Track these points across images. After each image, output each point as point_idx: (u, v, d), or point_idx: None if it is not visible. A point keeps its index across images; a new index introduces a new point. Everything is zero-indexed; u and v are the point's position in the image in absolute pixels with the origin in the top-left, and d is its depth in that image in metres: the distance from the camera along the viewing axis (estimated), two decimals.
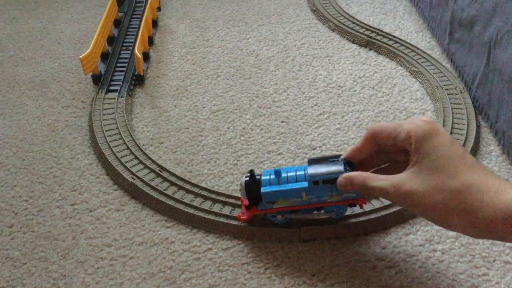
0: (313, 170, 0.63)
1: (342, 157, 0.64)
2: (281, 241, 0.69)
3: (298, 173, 0.64)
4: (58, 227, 0.72)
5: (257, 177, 0.66)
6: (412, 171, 0.55)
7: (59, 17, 1.28)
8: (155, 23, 1.22)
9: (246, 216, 0.68)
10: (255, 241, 0.69)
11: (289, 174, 0.65)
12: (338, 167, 0.62)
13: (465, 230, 0.54)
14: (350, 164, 0.64)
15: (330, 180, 0.62)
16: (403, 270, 0.64)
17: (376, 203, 0.72)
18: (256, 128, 0.91)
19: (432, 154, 0.55)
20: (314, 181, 0.62)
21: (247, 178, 0.66)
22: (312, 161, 0.64)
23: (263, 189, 0.64)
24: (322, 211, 0.66)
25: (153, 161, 0.81)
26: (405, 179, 0.55)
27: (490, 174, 0.53)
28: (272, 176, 0.65)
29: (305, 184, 0.63)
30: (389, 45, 1.09)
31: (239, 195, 0.74)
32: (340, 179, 0.60)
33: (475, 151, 0.82)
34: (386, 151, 0.63)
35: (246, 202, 0.67)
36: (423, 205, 0.54)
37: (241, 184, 0.67)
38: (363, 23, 1.18)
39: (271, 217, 0.68)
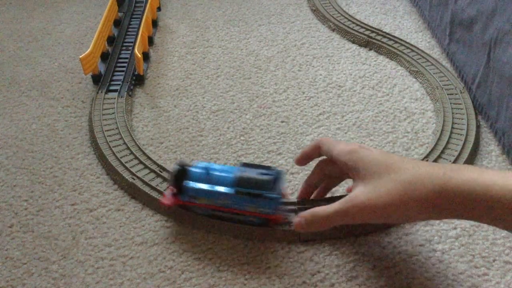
0: (244, 176, 0.64)
1: (276, 172, 0.65)
2: (281, 241, 0.69)
3: (226, 175, 0.65)
4: (58, 227, 0.72)
5: (188, 167, 0.66)
6: (358, 185, 0.58)
7: (59, 17, 1.28)
8: (155, 23, 1.22)
9: (169, 202, 0.68)
10: (255, 241, 0.69)
11: (218, 173, 0.65)
12: (265, 184, 0.63)
13: (426, 216, 0.56)
14: (277, 180, 0.65)
15: (253, 194, 0.63)
16: (403, 270, 0.65)
17: None
18: (256, 128, 0.91)
19: (369, 161, 0.58)
20: (238, 191, 0.63)
21: (178, 167, 0.66)
22: (245, 166, 0.66)
23: (186, 183, 0.65)
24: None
25: (153, 161, 0.81)
26: (356, 193, 0.58)
27: (437, 164, 0.57)
28: (202, 171, 0.66)
29: (229, 191, 0.64)
30: (389, 45, 1.09)
31: None
32: (296, 219, 0.63)
33: (475, 151, 0.82)
34: (335, 176, 0.69)
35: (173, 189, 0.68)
36: (382, 206, 0.55)
37: (170, 171, 0.67)
38: (363, 23, 1.18)
39: (195, 208, 0.69)
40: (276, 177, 0.64)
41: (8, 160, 0.85)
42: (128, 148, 0.84)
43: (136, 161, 0.81)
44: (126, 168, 0.79)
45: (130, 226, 0.72)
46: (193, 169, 0.66)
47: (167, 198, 0.69)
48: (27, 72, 1.07)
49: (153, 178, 0.78)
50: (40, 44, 1.17)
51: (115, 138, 0.86)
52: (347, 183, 0.77)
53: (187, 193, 0.66)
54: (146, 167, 0.80)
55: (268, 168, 0.66)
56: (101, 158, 0.83)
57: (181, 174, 0.66)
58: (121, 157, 0.81)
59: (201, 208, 0.68)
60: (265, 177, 0.64)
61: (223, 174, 0.66)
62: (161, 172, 0.79)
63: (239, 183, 0.64)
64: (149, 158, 0.81)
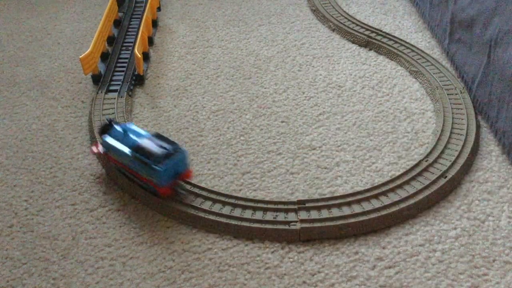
0: (142, 144, 0.72)
1: (172, 148, 0.72)
2: (281, 241, 0.69)
3: (134, 139, 0.74)
4: (58, 227, 0.72)
5: (113, 125, 0.77)
6: None
7: (59, 17, 1.28)
8: (155, 23, 1.22)
9: (95, 151, 0.79)
10: (255, 241, 0.69)
11: (130, 136, 0.74)
12: (155, 155, 0.70)
13: None
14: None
15: (143, 161, 0.70)
16: (403, 270, 0.64)
17: (375, 203, 0.72)
18: (256, 128, 0.91)
19: None
20: (134, 155, 0.72)
21: (105, 122, 0.78)
22: (155, 136, 0.74)
23: (105, 137, 0.76)
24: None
25: None
26: None
27: None
28: (121, 131, 0.75)
29: (129, 153, 0.72)
30: (389, 45, 1.09)
31: (239, 195, 0.75)
32: None
33: (475, 151, 0.82)
34: None
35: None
36: None
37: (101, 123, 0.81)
38: (363, 23, 1.18)
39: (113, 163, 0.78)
40: (168, 153, 0.71)
41: (8, 160, 0.85)
42: None
43: None
44: None
45: (130, 226, 0.72)
46: (116, 127, 0.76)
47: (95, 148, 0.79)
48: (27, 72, 1.07)
49: None
50: (40, 44, 1.17)
51: None
52: (347, 183, 0.77)
53: (105, 146, 0.76)
54: None
55: (175, 145, 0.73)
56: (101, 158, 0.83)
57: (105, 128, 0.77)
58: None
59: (116, 165, 0.77)
60: (157, 150, 0.71)
61: (133, 137, 0.73)
62: None
63: (137, 149, 0.72)
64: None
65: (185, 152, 0.73)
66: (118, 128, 0.76)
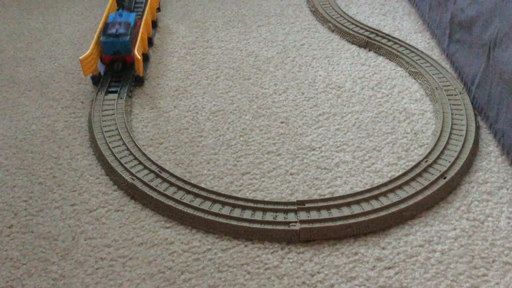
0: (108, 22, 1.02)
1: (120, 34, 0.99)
2: (281, 241, 0.69)
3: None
4: (58, 227, 0.72)
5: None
6: None
7: (59, 18, 1.28)
8: (155, 24, 1.22)
9: None
10: (255, 241, 0.69)
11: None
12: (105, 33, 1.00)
13: None
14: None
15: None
16: (402, 271, 0.65)
17: (375, 204, 0.72)
18: (256, 128, 0.91)
19: None
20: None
21: None
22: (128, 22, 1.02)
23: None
24: None
25: (153, 162, 0.81)
26: None
27: None
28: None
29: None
30: (388, 46, 1.09)
31: (239, 195, 0.76)
32: None
33: (474, 152, 0.82)
34: None
35: None
36: None
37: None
38: (362, 24, 1.18)
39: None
40: (112, 34, 0.99)
41: (8, 160, 0.85)
42: (127, 148, 0.84)
43: (135, 162, 0.81)
44: (126, 168, 0.79)
45: (130, 227, 0.72)
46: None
47: None
48: (26, 73, 1.07)
49: (153, 179, 0.78)
50: (39, 44, 1.17)
51: (115, 139, 0.86)
52: (347, 183, 0.77)
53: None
54: (145, 167, 0.80)
55: (125, 34, 0.99)
56: (101, 159, 0.83)
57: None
58: (120, 158, 0.81)
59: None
60: (109, 29, 1.00)
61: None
62: (161, 172, 0.79)
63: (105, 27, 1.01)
64: (148, 158, 0.81)
65: (128, 43, 0.99)
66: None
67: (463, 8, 0.95)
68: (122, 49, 0.99)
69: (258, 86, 1.02)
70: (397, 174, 0.78)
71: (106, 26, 1.00)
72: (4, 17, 1.28)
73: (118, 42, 0.99)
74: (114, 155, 0.82)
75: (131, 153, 0.82)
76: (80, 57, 0.95)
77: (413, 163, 0.79)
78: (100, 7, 1.30)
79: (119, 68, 1.00)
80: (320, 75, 1.05)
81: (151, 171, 0.79)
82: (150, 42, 1.15)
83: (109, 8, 1.14)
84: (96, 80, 1.02)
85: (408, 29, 1.18)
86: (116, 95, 0.97)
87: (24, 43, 1.18)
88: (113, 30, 0.99)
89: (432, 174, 0.76)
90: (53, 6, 1.33)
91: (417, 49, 1.07)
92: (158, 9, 1.28)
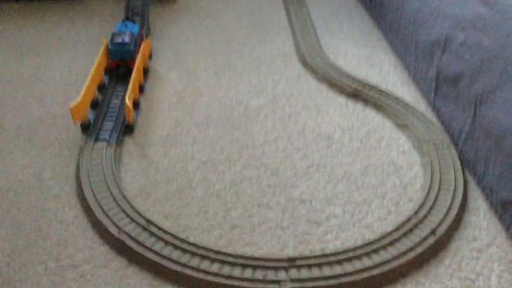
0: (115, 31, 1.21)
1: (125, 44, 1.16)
2: None
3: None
4: (41, 284, 0.70)
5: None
6: None
7: (50, 63, 1.28)
8: (146, 71, 1.23)
9: None
10: None
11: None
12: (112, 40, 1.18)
13: None
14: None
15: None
16: None
17: (367, 262, 0.71)
18: (246, 180, 0.91)
19: None
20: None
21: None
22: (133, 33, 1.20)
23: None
24: None
25: (140, 215, 0.79)
26: None
27: None
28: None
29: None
30: (375, 98, 1.11)
31: (228, 251, 0.74)
32: None
33: (463, 207, 0.83)
34: None
35: None
36: None
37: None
38: (350, 75, 1.20)
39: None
40: (119, 42, 1.16)
41: None
42: (114, 200, 0.82)
43: (123, 215, 0.80)
44: (113, 222, 0.78)
45: (116, 285, 0.70)
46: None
47: None
48: (15, 119, 1.06)
49: (140, 233, 0.76)
50: (29, 90, 1.17)
51: (102, 189, 0.85)
52: (338, 239, 0.77)
53: None
54: (133, 220, 0.78)
55: (129, 43, 1.16)
56: (87, 211, 0.82)
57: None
58: (107, 210, 0.80)
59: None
60: (116, 37, 1.17)
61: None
62: (148, 226, 0.77)
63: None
64: (136, 211, 0.80)
65: (132, 51, 1.15)
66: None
67: (448, 63, 0.98)
68: (127, 56, 1.15)
69: (248, 136, 1.03)
70: (388, 230, 0.78)
71: (113, 35, 1.17)
72: None
73: (124, 50, 1.15)
74: (101, 207, 0.80)
75: (118, 205, 0.81)
76: (71, 105, 0.95)
77: (403, 218, 0.79)
78: (91, 54, 1.30)
79: (123, 72, 1.16)
80: (310, 125, 1.05)
81: (139, 224, 0.78)
82: (141, 89, 1.16)
83: (101, 55, 1.15)
84: (86, 127, 1.01)
85: (395, 81, 1.20)
86: (105, 143, 0.96)
87: (13, 89, 1.17)
88: (120, 40, 1.15)
89: (423, 230, 0.76)
90: (44, 52, 1.34)
91: (403, 102, 1.09)
92: (150, 57, 1.30)
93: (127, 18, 1.29)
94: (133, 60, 1.14)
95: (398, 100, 1.10)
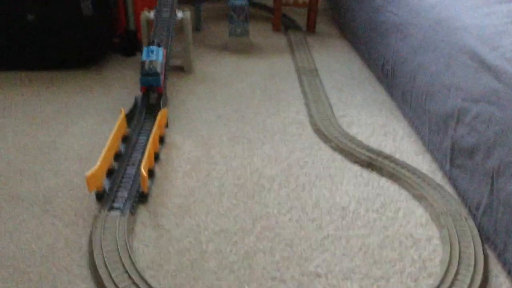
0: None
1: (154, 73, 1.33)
2: None
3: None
4: None
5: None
6: None
7: (69, 131, 1.31)
8: (162, 140, 1.25)
9: None
10: None
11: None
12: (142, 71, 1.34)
13: None
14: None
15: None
16: None
17: None
18: (260, 251, 0.89)
19: None
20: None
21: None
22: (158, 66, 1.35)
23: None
24: None
25: None
26: None
27: None
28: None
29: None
30: (390, 167, 1.11)
31: None
32: None
33: (484, 283, 0.79)
34: None
35: None
36: None
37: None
38: (364, 144, 1.21)
39: None
40: (146, 72, 1.33)
41: (2, 282, 0.82)
42: (126, 272, 0.81)
43: None
44: None
45: None
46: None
47: None
48: (31, 187, 1.07)
49: None
50: (46, 158, 1.19)
51: (115, 260, 0.84)
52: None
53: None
54: None
55: (157, 73, 1.33)
56: (99, 284, 0.80)
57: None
58: (118, 283, 0.79)
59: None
60: (146, 67, 1.33)
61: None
62: None
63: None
64: (148, 285, 0.78)
65: (159, 79, 1.33)
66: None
67: (463, 135, 0.98)
68: (155, 83, 1.34)
69: (262, 205, 1.02)
70: None
71: (142, 64, 1.33)
72: (14, 130, 1.31)
73: (152, 79, 1.33)
74: (113, 280, 0.79)
75: (130, 278, 0.80)
76: (87, 174, 0.96)
77: None
78: (110, 122, 1.34)
79: (154, 100, 1.35)
80: (324, 195, 1.05)
81: None
82: (156, 157, 1.17)
83: (119, 125, 1.17)
84: (101, 195, 1.02)
85: (409, 151, 1.20)
86: (119, 212, 0.96)
87: (31, 156, 1.19)
88: (147, 70, 1.32)
89: None
90: (63, 120, 1.37)
91: (419, 172, 1.09)
92: (167, 125, 1.32)
93: (152, 43, 1.41)
94: (159, 85, 1.35)
95: (413, 170, 1.09)
